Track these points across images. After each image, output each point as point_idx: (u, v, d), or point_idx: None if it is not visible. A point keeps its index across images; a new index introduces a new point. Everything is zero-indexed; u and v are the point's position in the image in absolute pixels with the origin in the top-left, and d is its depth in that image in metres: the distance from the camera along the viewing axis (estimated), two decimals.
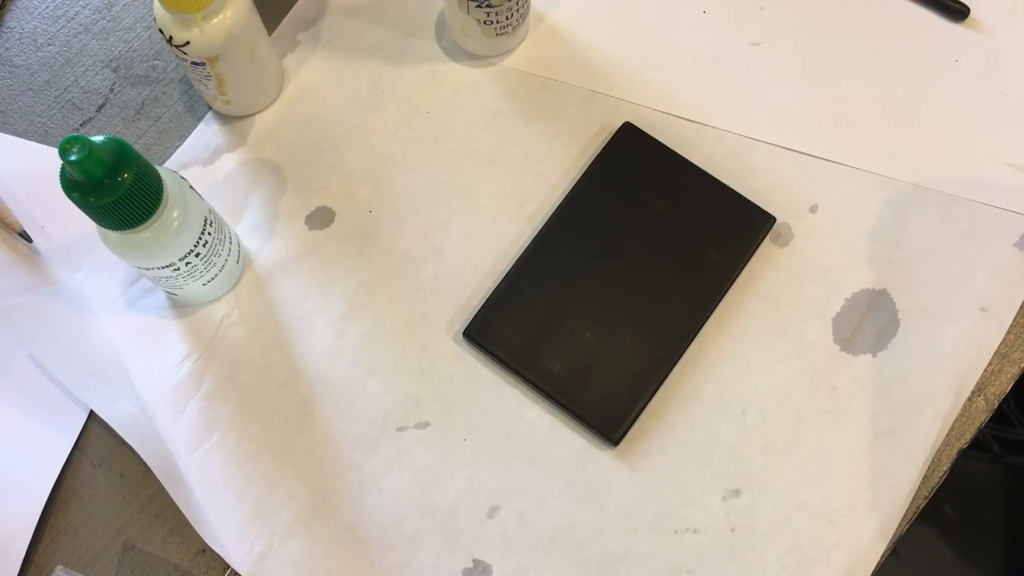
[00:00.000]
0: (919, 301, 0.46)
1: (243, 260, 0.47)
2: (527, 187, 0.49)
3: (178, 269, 0.41)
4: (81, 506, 0.44)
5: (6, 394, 0.45)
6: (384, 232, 0.48)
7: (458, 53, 0.52)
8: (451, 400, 0.45)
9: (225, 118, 0.50)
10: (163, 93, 0.51)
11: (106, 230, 0.38)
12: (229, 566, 0.42)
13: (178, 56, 0.44)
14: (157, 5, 0.42)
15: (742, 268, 0.46)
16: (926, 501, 0.43)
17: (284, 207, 0.48)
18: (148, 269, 0.41)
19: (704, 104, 0.50)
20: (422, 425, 0.45)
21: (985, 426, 0.44)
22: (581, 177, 0.48)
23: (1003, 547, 0.94)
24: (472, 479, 0.44)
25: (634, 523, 0.43)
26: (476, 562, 0.42)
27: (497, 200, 0.48)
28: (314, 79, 0.51)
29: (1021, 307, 0.46)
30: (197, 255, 0.41)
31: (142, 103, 0.51)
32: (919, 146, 0.49)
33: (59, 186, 0.35)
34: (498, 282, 0.46)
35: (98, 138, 0.34)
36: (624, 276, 0.46)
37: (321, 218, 0.48)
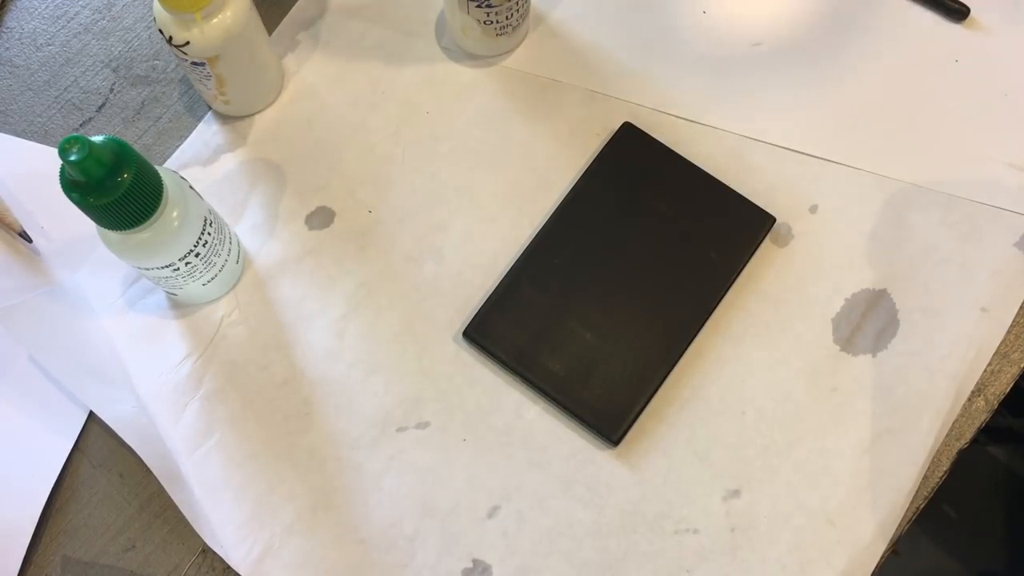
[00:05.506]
0: (919, 301, 0.46)
1: (243, 260, 0.47)
2: (527, 187, 0.49)
3: (178, 269, 0.41)
4: (81, 506, 0.44)
5: (6, 394, 0.45)
6: (384, 232, 0.48)
7: (458, 53, 0.52)
8: (451, 400, 0.45)
9: (225, 118, 0.50)
10: (163, 93, 0.51)
11: (106, 230, 0.38)
12: (223, 563, 0.42)
13: (178, 56, 0.44)
14: (157, 5, 0.42)
15: (742, 268, 0.46)
16: (926, 501, 0.43)
17: (284, 207, 0.48)
18: (148, 269, 0.41)
19: (704, 104, 0.50)
20: (422, 425, 0.44)
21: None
22: (581, 177, 0.48)
23: (1003, 547, 0.94)
24: (472, 479, 0.44)
25: (634, 523, 0.43)
26: (476, 562, 0.42)
27: (497, 200, 0.48)
28: (314, 79, 0.51)
29: (1021, 307, 0.46)
30: (197, 255, 0.41)
31: (142, 103, 0.51)
32: (919, 146, 0.49)
33: (59, 186, 0.35)
34: (498, 282, 0.46)
35: (98, 138, 0.34)
36: (624, 276, 0.46)
37: (321, 218, 0.48)
